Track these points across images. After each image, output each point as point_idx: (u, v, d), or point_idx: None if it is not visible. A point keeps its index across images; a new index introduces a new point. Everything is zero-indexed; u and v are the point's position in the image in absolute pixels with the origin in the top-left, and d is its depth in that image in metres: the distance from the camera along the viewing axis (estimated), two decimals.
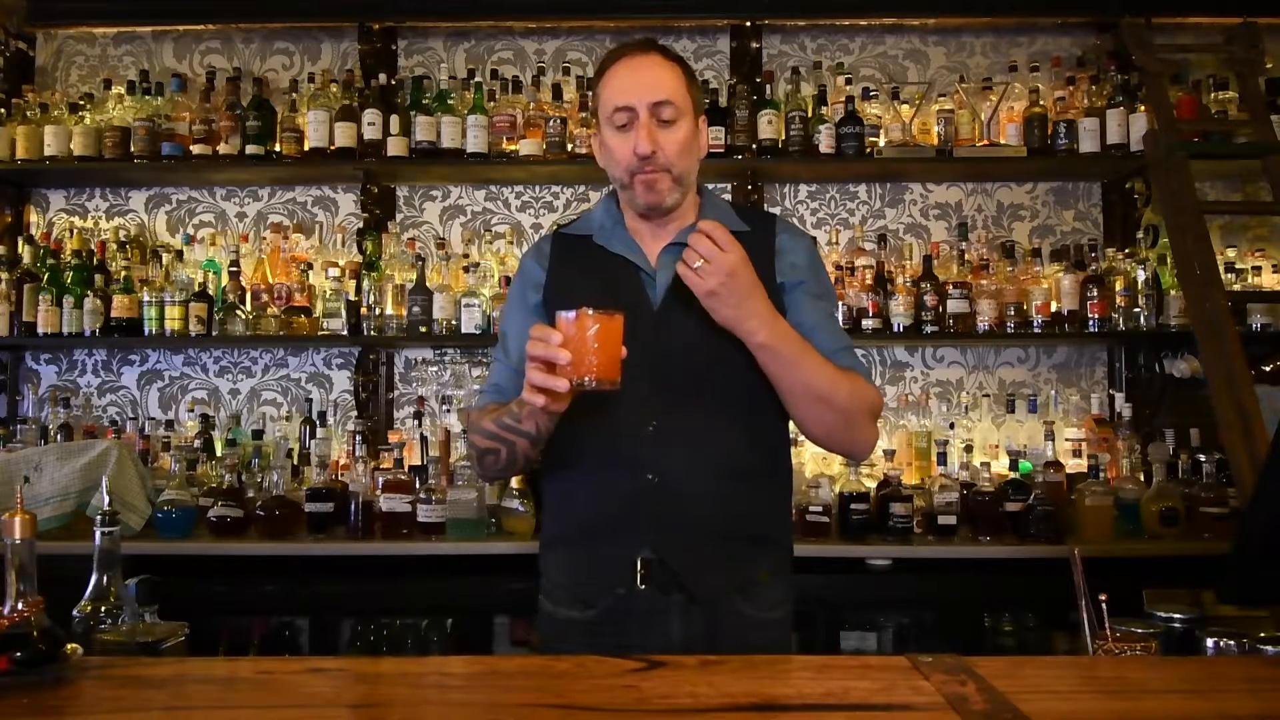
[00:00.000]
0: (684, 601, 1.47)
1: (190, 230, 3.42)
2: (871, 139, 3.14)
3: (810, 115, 3.14)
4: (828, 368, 1.48)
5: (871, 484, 2.77)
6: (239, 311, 3.10)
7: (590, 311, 1.26)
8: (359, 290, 3.13)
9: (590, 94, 1.62)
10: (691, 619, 1.47)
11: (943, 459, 2.85)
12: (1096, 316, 3.02)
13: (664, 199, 1.51)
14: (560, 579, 1.57)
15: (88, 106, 3.28)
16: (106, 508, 1.31)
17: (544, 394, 1.31)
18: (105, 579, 1.28)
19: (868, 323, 3.05)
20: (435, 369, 3.32)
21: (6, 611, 1.04)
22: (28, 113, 3.25)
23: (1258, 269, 3.15)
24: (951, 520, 2.70)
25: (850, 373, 1.52)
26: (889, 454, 2.85)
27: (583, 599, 1.51)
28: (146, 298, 3.09)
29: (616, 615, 1.48)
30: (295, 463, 3.01)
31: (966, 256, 3.18)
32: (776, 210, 3.36)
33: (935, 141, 3.17)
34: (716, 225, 1.40)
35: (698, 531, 1.47)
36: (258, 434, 3.10)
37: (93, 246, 3.26)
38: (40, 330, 3.10)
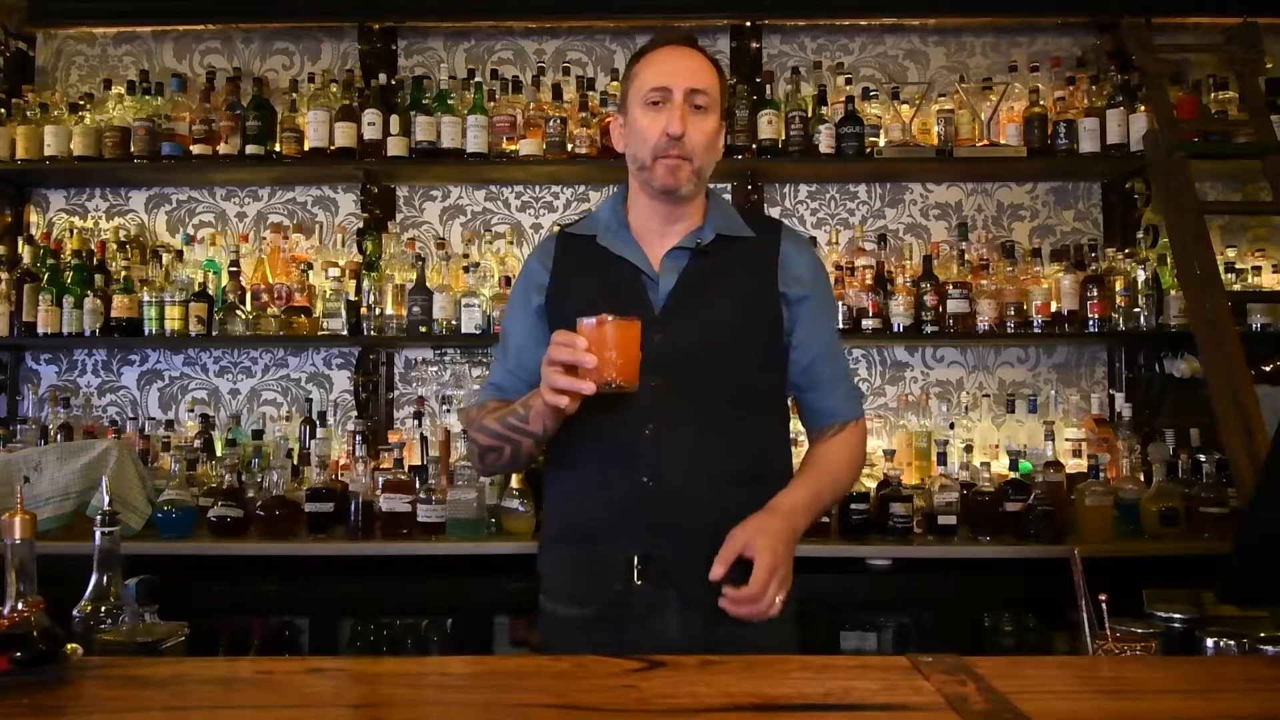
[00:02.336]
0: (680, 600, 1.47)
1: (190, 230, 3.42)
2: (871, 139, 3.14)
3: (810, 115, 3.14)
4: (837, 486, 1.60)
5: (871, 484, 2.77)
6: (239, 311, 3.10)
7: (610, 318, 1.33)
8: (359, 290, 3.13)
9: (625, 81, 1.62)
10: (689, 618, 1.47)
11: (943, 459, 2.85)
12: (1096, 316, 3.02)
13: (682, 185, 1.52)
14: (558, 578, 1.57)
15: (88, 106, 3.28)
16: (106, 508, 1.31)
17: (566, 396, 1.33)
18: (105, 579, 1.28)
19: (868, 323, 3.05)
20: (435, 369, 3.32)
21: (6, 611, 1.04)
22: (28, 113, 3.25)
23: (1258, 269, 3.15)
24: (951, 520, 2.70)
25: (846, 442, 1.60)
26: (889, 454, 2.85)
27: (580, 598, 1.52)
28: (146, 298, 3.09)
29: (614, 612, 1.48)
30: (295, 463, 3.01)
31: (966, 256, 3.18)
32: (776, 211, 3.36)
33: (935, 141, 3.17)
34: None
35: (694, 536, 1.47)
36: (258, 434, 3.10)
37: (93, 246, 3.26)
38: (40, 330, 3.10)
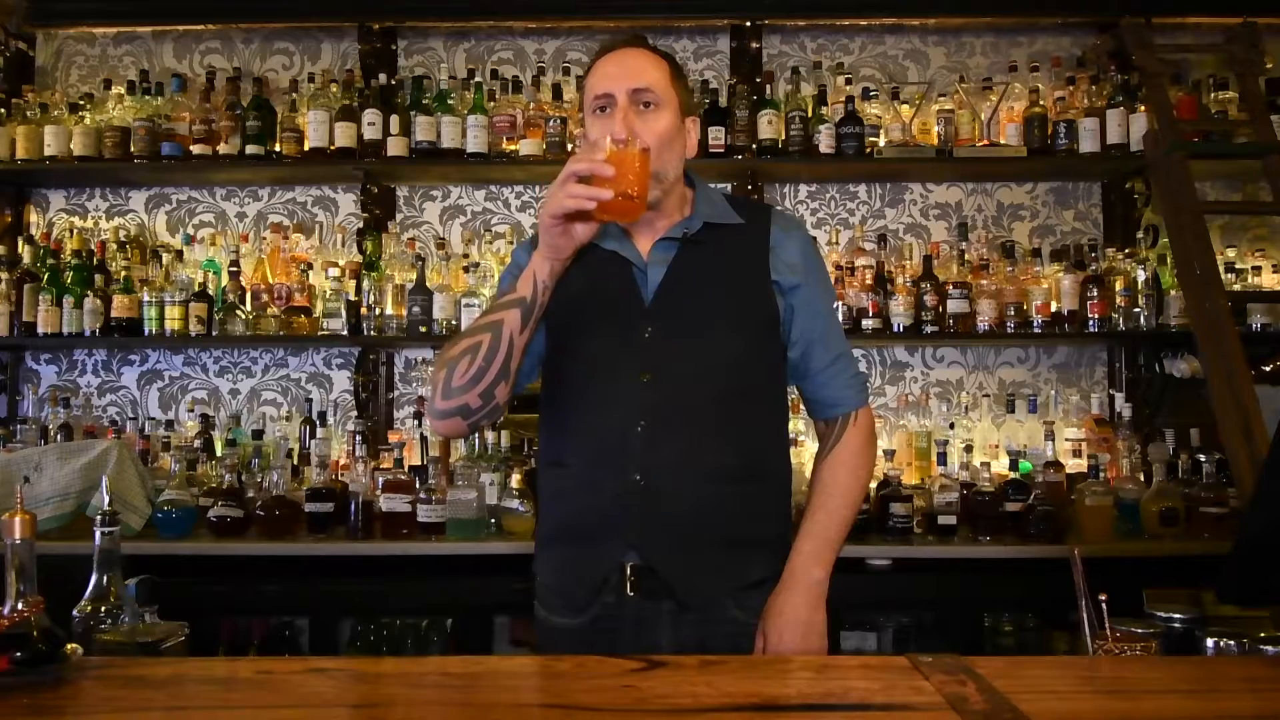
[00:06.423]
0: (674, 609, 1.46)
1: (190, 230, 3.42)
2: (871, 139, 3.13)
3: (810, 115, 3.14)
4: (847, 515, 1.57)
5: (871, 484, 2.76)
6: (239, 311, 3.10)
7: (621, 138, 1.36)
8: (359, 290, 3.13)
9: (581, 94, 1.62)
10: (683, 626, 1.46)
11: (943, 459, 2.85)
12: (1096, 316, 3.02)
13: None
14: (551, 581, 1.56)
15: (88, 106, 3.28)
16: (106, 508, 1.31)
17: (580, 203, 1.31)
18: (105, 579, 1.28)
19: (868, 323, 3.04)
20: None
21: (6, 611, 1.04)
22: (28, 113, 3.25)
23: (1258, 269, 3.15)
24: (951, 520, 2.70)
25: (849, 450, 1.58)
26: (889, 454, 2.85)
27: (572, 605, 1.50)
28: (146, 298, 3.09)
29: (607, 623, 1.47)
30: (295, 463, 3.01)
31: (966, 256, 3.18)
32: None
33: (935, 141, 3.17)
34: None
35: (686, 535, 1.46)
36: (258, 434, 3.10)
37: (93, 246, 3.26)
38: (40, 330, 3.10)
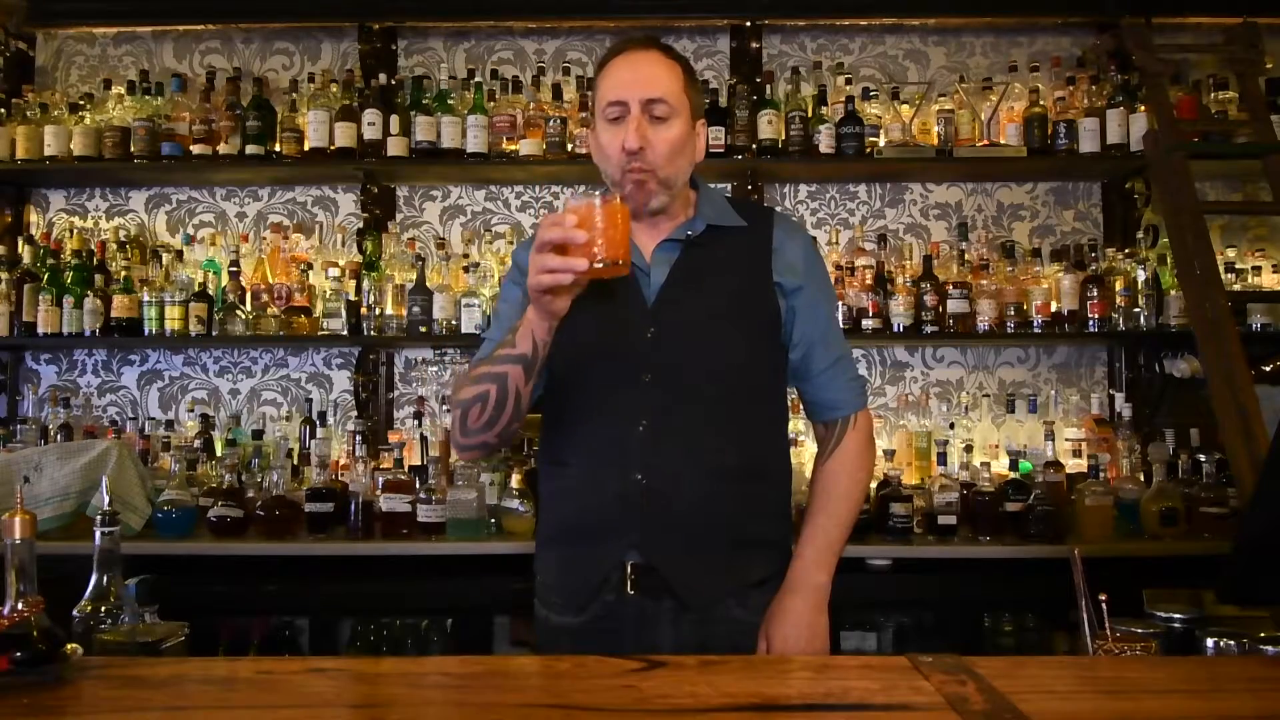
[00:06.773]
0: (675, 607, 1.46)
1: (190, 230, 3.42)
2: (871, 139, 3.13)
3: (810, 115, 3.14)
4: (847, 517, 1.58)
5: (871, 484, 2.76)
6: (239, 311, 3.10)
7: (598, 197, 1.31)
8: (359, 290, 3.13)
9: (590, 93, 1.63)
10: (683, 625, 1.46)
11: (943, 459, 2.85)
12: (1096, 316, 3.02)
13: (650, 200, 1.49)
14: (551, 581, 1.56)
15: (88, 106, 3.28)
16: (106, 508, 1.31)
17: (556, 278, 1.28)
18: (105, 579, 1.28)
19: (868, 323, 3.05)
20: (435, 369, 3.32)
21: (6, 611, 1.04)
22: (28, 113, 3.25)
23: (1258, 269, 3.15)
24: (951, 520, 2.70)
25: (849, 453, 1.59)
26: (889, 454, 2.85)
27: (573, 604, 1.51)
28: (146, 298, 3.09)
29: (607, 622, 1.47)
30: (295, 463, 3.01)
31: (966, 256, 3.18)
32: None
33: (935, 141, 3.17)
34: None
35: (687, 534, 1.46)
36: (258, 434, 3.10)
37: (93, 246, 3.26)
38: (40, 330, 3.10)
